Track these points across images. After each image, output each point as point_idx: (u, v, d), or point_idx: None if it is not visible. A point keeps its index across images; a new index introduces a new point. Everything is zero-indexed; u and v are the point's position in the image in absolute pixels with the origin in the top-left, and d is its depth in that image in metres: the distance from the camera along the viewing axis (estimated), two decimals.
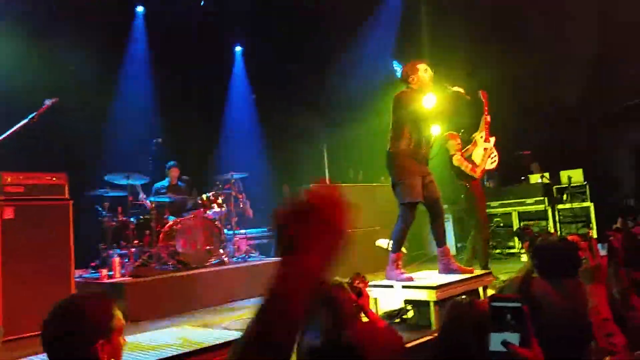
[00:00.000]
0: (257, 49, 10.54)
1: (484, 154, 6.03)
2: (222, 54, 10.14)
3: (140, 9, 8.96)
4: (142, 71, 8.29)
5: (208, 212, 7.06)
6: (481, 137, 6.06)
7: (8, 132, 4.11)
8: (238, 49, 10.80)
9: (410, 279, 4.38)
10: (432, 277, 4.52)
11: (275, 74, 10.27)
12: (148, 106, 7.85)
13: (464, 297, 1.86)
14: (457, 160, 6.17)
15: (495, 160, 6.06)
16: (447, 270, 4.58)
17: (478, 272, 4.82)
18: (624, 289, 2.40)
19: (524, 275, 2.96)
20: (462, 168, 6.13)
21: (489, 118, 5.99)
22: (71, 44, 7.38)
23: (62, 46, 7.23)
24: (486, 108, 5.98)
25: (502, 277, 5.50)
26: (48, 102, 4.36)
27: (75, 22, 7.55)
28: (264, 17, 10.00)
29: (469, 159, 6.14)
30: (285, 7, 9.78)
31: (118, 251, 6.36)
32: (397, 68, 4.88)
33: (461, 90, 4.57)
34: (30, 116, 4.28)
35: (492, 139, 6.06)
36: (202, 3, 9.43)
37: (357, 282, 2.71)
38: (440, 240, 4.70)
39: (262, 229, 9.09)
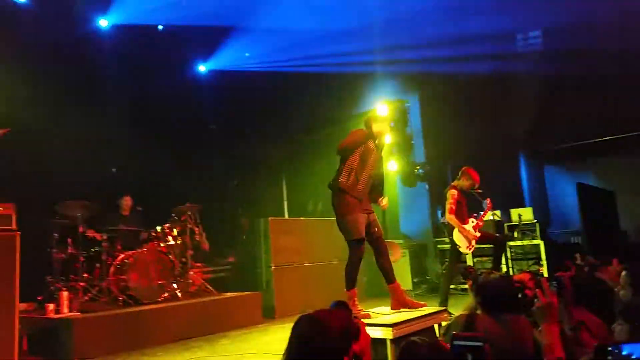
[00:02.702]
0: (218, 76, 10.57)
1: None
2: (184, 78, 10.09)
3: (104, 22, 8.86)
4: (96, 96, 8.12)
5: (162, 244, 6.90)
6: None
7: None
8: (202, 68, 10.76)
9: (368, 316, 4.38)
10: (388, 314, 4.52)
11: (236, 102, 10.28)
12: (102, 134, 7.65)
13: (417, 338, 1.80)
14: (450, 193, 6.26)
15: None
16: (400, 305, 4.61)
17: (434, 309, 4.86)
18: (575, 325, 2.47)
19: (469, 312, 3.05)
20: (447, 203, 6.23)
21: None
22: (22, 66, 7.19)
23: (13, 72, 7.03)
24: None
25: (457, 313, 5.57)
26: None
27: (30, 44, 7.39)
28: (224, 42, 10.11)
29: (459, 201, 6.25)
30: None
31: (65, 285, 6.11)
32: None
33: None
34: None
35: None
36: (159, 28, 9.46)
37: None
38: (389, 277, 4.70)
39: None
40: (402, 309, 4.56)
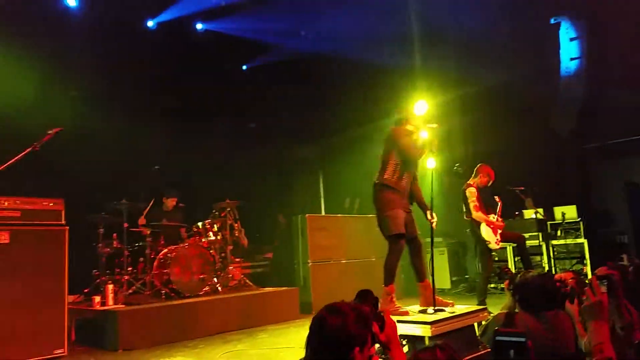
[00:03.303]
0: (258, 74, 10.70)
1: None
2: (228, 77, 10.24)
3: (150, 23, 9.12)
4: (142, 96, 8.36)
5: (203, 240, 7.05)
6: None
7: (12, 160, 4.15)
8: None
9: (406, 313, 4.37)
10: (428, 311, 4.49)
11: (275, 100, 10.39)
12: (146, 132, 7.88)
13: (433, 343, 1.79)
14: (469, 192, 6.21)
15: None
16: (427, 304, 4.61)
17: (473, 307, 4.81)
18: (627, 324, 2.41)
19: (507, 311, 3.01)
20: (469, 201, 6.17)
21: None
22: (70, 69, 7.47)
23: (62, 73, 7.32)
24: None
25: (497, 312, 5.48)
26: (51, 132, 4.41)
27: (77, 46, 7.67)
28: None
29: (481, 198, 6.22)
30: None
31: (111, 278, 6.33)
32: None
33: (434, 125, 4.69)
34: (33, 145, 4.32)
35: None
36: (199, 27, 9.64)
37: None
38: (421, 275, 4.74)
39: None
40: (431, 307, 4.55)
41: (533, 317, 2.55)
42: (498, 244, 6.19)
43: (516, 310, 2.76)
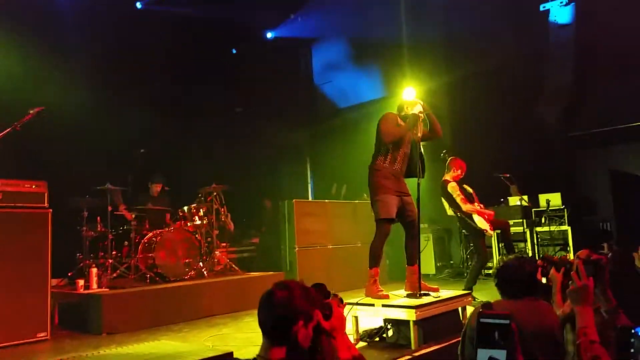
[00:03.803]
0: (246, 58, 10.61)
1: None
2: (217, 60, 10.13)
3: (138, 4, 8.98)
4: (128, 79, 8.25)
5: (188, 224, 7.02)
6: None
7: None
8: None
9: (387, 297, 4.41)
10: (412, 295, 4.53)
11: (261, 85, 10.32)
12: (131, 115, 7.78)
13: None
14: (451, 187, 6.24)
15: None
16: (413, 288, 4.67)
17: (457, 292, 4.85)
18: (612, 308, 2.44)
19: (482, 303, 3.02)
20: (454, 196, 6.20)
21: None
22: (57, 51, 7.34)
23: (47, 53, 7.18)
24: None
25: (481, 298, 5.55)
26: (32, 111, 4.33)
27: (64, 28, 7.53)
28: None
29: (462, 190, 6.26)
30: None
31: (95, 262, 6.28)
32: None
33: (416, 112, 4.72)
34: (13, 124, 4.24)
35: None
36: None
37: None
38: (412, 259, 4.79)
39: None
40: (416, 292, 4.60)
41: (512, 302, 2.57)
42: (492, 230, 6.27)
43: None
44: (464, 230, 8.19)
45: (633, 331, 1.54)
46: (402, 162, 4.79)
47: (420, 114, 4.71)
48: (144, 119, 8.00)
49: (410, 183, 4.90)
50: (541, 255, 6.74)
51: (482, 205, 6.40)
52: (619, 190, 8.88)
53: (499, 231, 6.73)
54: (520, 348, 1.62)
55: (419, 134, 4.78)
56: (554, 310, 2.61)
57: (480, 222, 6.18)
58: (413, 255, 4.78)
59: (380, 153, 4.76)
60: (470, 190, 6.49)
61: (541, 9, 9.74)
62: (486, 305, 2.67)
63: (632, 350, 1.52)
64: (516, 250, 7.23)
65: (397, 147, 4.73)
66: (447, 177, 6.39)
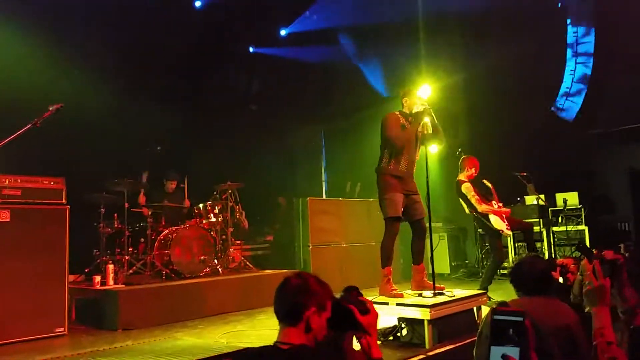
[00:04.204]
0: (263, 56, 10.64)
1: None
2: (233, 58, 10.16)
3: None
4: (142, 77, 8.31)
5: (204, 221, 7.06)
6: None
7: (12, 136, 4.12)
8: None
9: (401, 295, 4.41)
10: (427, 295, 4.51)
11: (277, 83, 10.34)
12: (147, 112, 7.84)
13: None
14: (465, 188, 6.19)
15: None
16: (419, 287, 4.71)
17: (473, 292, 4.82)
18: (628, 308, 2.41)
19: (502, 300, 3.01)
20: (469, 197, 6.15)
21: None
22: (75, 49, 7.42)
23: (66, 50, 7.26)
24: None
25: (497, 298, 5.50)
26: (52, 108, 4.38)
27: (81, 25, 7.61)
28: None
29: (480, 187, 6.22)
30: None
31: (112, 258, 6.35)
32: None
33: (421, 108, 4.73)
34: (34, 121, 4.29)
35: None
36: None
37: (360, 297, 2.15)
38: (417, 258, 4.82)
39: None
40: (423, 291, 4.59)
41: (527, 299, 2.56)
42: (509, 229, 6.20)
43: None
44: (480, 230, 8.13)
45: None
46: (408, 162, 4.79)
47: (424, 110, 4.71)
48: (160, 116, 8.06)
49: (421, 183, 4.89)
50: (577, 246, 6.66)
51: (500, 204, 6.32)
52: (637, 190, 8.74)
53: (518, 232, 6.68)
54: (536, 345, 1.60)
55: (425, 131, 4.81)
56: (570, 309, 2.58)
57: (497, 222, 6.11)
58: (418, 255, 4.82)
59: (385, 155, 4.80)
60: (489, 185, 6.42)
61: (560, 4, 9.63)
62: (502, 303, 2.65)
63: None
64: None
65: (398, 148, 4.74)
66: (461, 176, 6.33)
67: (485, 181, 6.44)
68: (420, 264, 4.79)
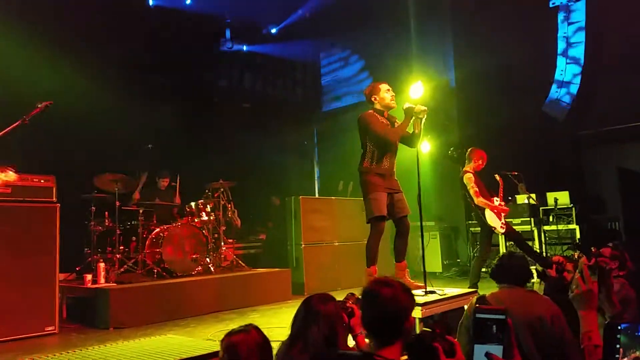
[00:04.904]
0: (254, 55, 10.63)
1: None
2: (223, 57, 10.13)
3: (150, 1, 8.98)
4: (134, 74, 8.28)
5: (196, 220, 7.04)
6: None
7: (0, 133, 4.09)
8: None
9: None
10: (418, 293, 4.52)
11: (269, 80, 10.34)
12: (138, 110, 7.81)
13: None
14: (467, 178, 6.19)
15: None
16: None
17: (464, 290, 4.84)
18: (616, 313, 2.44)
19: (479, 295, 3.10)
20: (468, 188, 6.14)
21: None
22: (66, 45, 7.36)
23: (56, 47, 7.20)
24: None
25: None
26: (40, 105, 4.34)
27: (73, 23, 7.56)
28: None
29: (478, 183, 6.20)
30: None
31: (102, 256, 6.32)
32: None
33: (412, 105, 4.67)
34: (22, 118, 4.26)
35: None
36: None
37: (350, 301, 2.58)
38: (400, 256, 4.79)
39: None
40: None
41: (506, 291, 2.64)
42: (503, 229, 6.14)
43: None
44: (473, 227, 8.14)
45: (619, 327, 1.53)
46: (389, 160, 4.75)
47: (415, 109, 4.63)
48: (152, 115, 8.03)
49: (412, 181, 4.88)
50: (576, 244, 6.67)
51: (503, 203, 6.28)
52: (627, 189, 8.81)
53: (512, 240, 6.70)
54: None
55: (416, 131, 4.75)
56: (549, 301, 2.63)
57: (491, 219, 6.08)
58: (401, 252, 4.78)
59: (367, 154, 4.73)
60: (498, 179, 6.41)
61: (551, 5, 9.68)
62: (481, 299, 2.70)
63: (618, 346, 1.52)
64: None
65: (383, 146, 4.69)
66: (467, 167, 6.28)
67: (497, 176, 6.43)
68: (403, 262, 4.77)
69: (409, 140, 4.83)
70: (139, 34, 8.36)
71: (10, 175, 4.19)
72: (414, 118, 4.69)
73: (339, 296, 2.62)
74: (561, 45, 9.61)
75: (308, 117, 11.18)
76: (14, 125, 4.20)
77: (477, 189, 6.10)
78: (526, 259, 3.02)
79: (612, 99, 8.87)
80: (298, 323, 2.25)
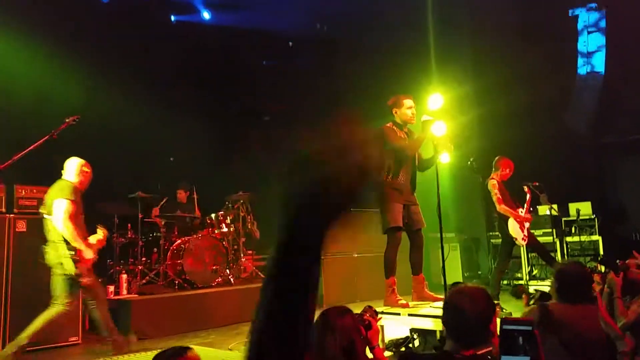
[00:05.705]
0: (275, 68, 10.74)
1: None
2: (245, 70, 10.26)
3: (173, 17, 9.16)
4: (159, 88, 8.43)
5: (216, 231, 7.10)
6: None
7: (29, 148, 4.21)
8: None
9: (407, 305, 4.40)
10: (438, 305, 4.49)
11: (288, 93, 10.41)
12: (162, 124, 7.93)
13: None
14: (491, 184, 6.14)
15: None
16: (420, 298, 4.69)
17: None
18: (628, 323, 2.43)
19: (541, 304, 3.01)
20: (492, 194, 6.09)
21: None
22: (90, 60, 7.53)
23: (80, 62, 7.38)
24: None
25: (508, 309, 5.46)
26: (68, 120, 4.46)
27: (96, 36, 7.74)
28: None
29: (502, 191, 6.14)
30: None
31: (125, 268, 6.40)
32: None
33: (430, 118, 4.69)
34: (51, 132, 4.38)
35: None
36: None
37: (367, 314, 2.61)
38: (416, 269, 4.79)
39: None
40: (421, 302, 4.60)
41: (569, 306, 2.56)
42: (525, 240, 6.03)
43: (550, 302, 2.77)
44: (495, 238, 8.04)
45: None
46: (405, 174, 4.76)
47: (431, 121, 4.66)
48: (174, 127, 8.14)
49: (432, 193, 4.86)
50: (600, 259, 6.58)
51: (528, 213, 6.19)
52: None
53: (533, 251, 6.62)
54: (573, 352, 1.63)
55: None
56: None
57: (513, 229, 5.99)
58: (417, 265, 4.79)
59: (383, 168, 4.72)
60: (527, 191, 6.35)
61: (570, 14, 9.62)
62: (543, 306, 2.65)
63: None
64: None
65: (399, 160, 4.71)
66: (493, 175, 6.21)
67: (525, 187, 6.37)
68: (420, 274, 4.77)
69: (422, 164, 4.91)
70: (162, 47, 8.51)
71: None
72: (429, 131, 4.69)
73: (357, 309, 2.63)
74: (581, 54, 9.54)
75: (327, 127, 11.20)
76: (43, 139, 4.32)
77: (500, 196, 6.03)
78: (584, 268, 2.93)
79: (636, 108, 8.75)
80: (315, 336, 2.25)
